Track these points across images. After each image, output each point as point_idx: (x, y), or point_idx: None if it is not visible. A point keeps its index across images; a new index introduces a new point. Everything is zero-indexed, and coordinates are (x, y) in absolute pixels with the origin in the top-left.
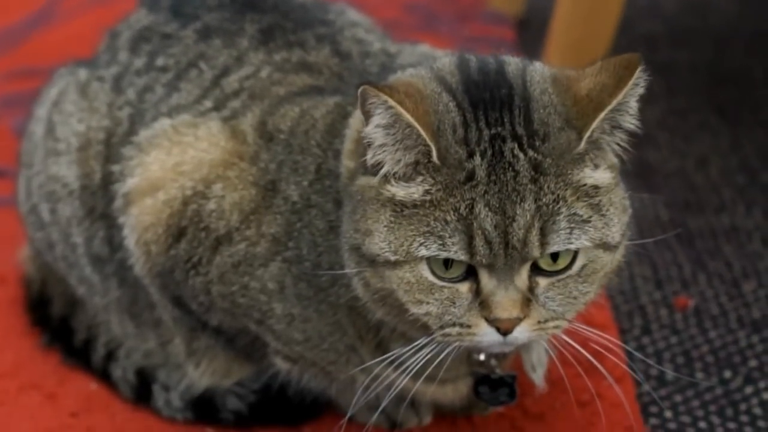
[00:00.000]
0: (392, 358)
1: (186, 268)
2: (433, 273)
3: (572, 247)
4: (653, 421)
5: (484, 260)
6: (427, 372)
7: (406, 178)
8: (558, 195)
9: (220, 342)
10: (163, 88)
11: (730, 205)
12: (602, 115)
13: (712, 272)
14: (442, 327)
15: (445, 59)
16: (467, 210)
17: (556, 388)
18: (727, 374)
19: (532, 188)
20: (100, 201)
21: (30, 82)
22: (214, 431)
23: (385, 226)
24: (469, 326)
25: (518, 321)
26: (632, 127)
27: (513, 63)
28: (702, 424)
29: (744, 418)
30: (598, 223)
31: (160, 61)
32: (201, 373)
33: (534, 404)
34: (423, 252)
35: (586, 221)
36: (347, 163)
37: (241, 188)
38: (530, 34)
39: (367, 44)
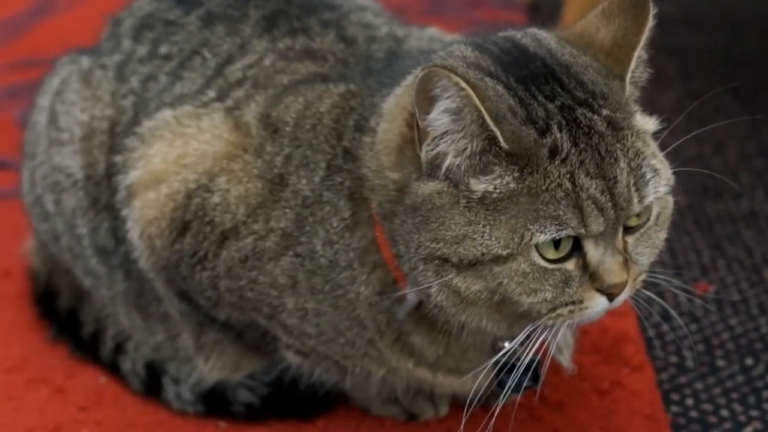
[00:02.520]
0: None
1: (192, 262)
2: (543, 257)
3: (660, 194)
4: (674, 408)
5: (598, 228)
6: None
7: (482, 171)
8: (635, 147)
9: (229, 336)
10: (166, 76)
11: (748, 190)
12: (636, 54)
13: (731, 258)
14: (553, 310)
15: (458, 48)
16: (570, 183)
17: (574, 377)
18: (749, 361)
19: (618, 146)
20: (104, 191)
21: (32, 73)
22: (226, 424)
23: (484, 226)
24: (581, 301)
25: (626, 283)
26: (646, 56)
27: (522, 36)
28: (724, 412)
29: (767, 406)
30: (662, 167)
31: (163, 49)
32: (210, 367)
33: (553, 393)
34: (541, 237)
35: (657, 167)
36: (391, 176)
37: (246, 181)
38: (541, 18)
39: (374, 29)
